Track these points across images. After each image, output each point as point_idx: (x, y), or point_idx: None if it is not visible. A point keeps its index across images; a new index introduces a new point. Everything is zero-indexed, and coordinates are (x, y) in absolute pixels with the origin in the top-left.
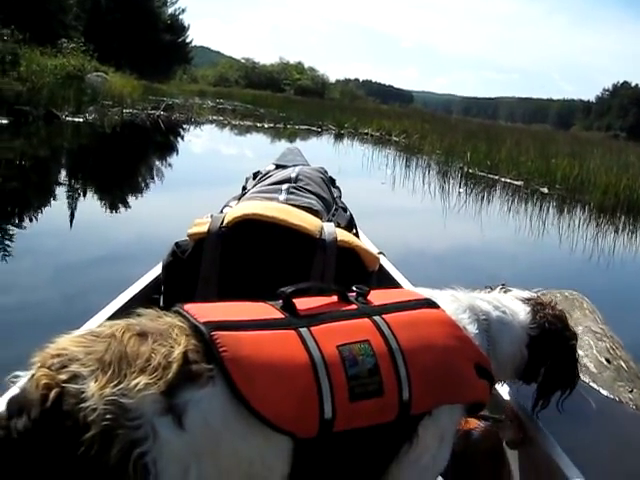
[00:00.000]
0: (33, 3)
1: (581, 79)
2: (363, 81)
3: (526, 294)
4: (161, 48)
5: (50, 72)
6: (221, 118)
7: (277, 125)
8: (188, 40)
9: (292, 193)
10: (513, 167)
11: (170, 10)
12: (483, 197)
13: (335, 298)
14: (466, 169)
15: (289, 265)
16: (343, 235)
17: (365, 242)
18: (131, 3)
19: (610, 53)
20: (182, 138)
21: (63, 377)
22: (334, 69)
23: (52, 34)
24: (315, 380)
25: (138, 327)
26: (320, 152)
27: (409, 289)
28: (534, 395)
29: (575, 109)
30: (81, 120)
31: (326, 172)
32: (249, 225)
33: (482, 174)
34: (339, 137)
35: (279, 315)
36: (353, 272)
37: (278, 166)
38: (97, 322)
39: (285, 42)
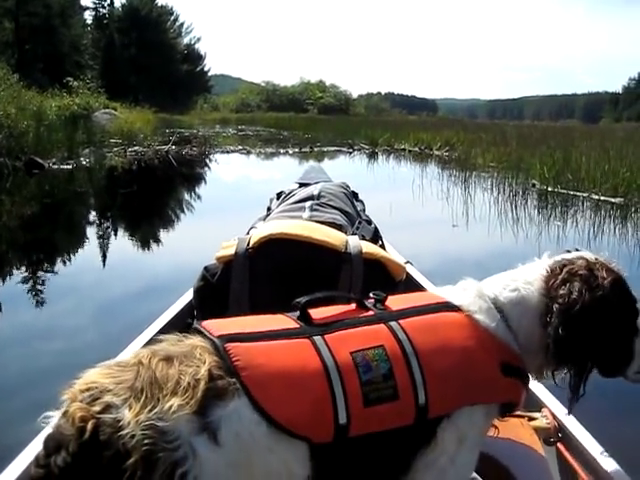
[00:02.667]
0: (46, 45)
1: (604, 71)
2: (386, 93)
3: (568, 255)
4: (179, 79)
5: (51, 113)
6: (240, 147)
7: (303, 149)
8: (206, 69)
9: (315, 210)
10: (603, 179)
11: (185, 40)
12: (571, 221)
13: (353, 306)
14: (539, 185)
15: (317, 280)
16: (368, 247)
17: (391, 252)
18: (145, 37)
19: (631, 41)
20: (193, 177)
21: (97, 408)
22: (356, 84)
23: (65, 74)
24: (329, 386)
25: (162, 352)
26: (357, 179)
27: (428, 292)
28: (569, 383)
29: (602, 101)
30: (70, 167)
31: (348, 187)
32: (275, 244)
33: (562, 191)
34: (373, 156)
35: (294, 325)
36: (380, 283)
37: (301, 184)
38: (131, 352)
39: (305, 61)
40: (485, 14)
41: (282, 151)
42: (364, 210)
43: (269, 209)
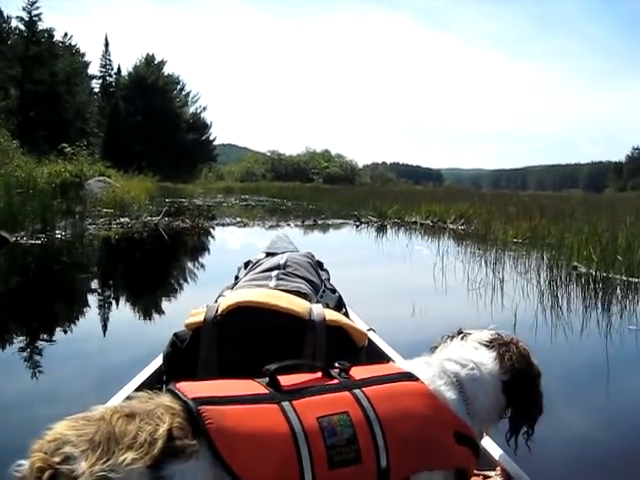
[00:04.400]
0: (50, 112)
1: (607, 141)
2: (391, 163)
3: (486, 336)
4: (184, 147)
5: (40, 181)
6: (237, 220)
7: (306, 222)
8: (212, 138)
9: (281, 279)
10: None
11: (192, 109)
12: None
13: (319, 374)
14: (583, 268)
15: (283, 346)
16: (331, 315)
17: (355, 320)
18: (151, 106)
19: (634, 110)
20: (181, 250)
21: (56, 459)
22: (361, 154)
23: (68, 141)
24: (295, 449)
25: (127, 409)
26: (367, 262)
27: (391, 364)
28: (507, 430)
29: (605, 171)
30: (39, 242)
31: (313, 257)
32: (242, 312)
33: (615, 276)
34: (382, 230)
35: (264, 390)
36: (343, 348)
37: (268, 254)
38: None
39: (311, 131)
40: (489, 86)
41: (283, 224)
42: (329, 279)
43: (237, 277)
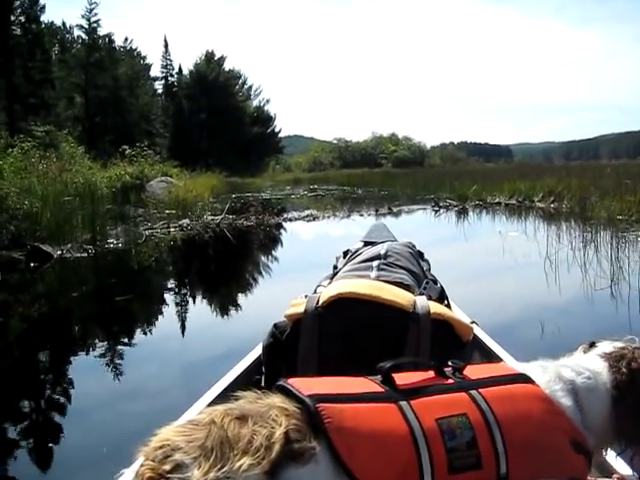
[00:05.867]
0: (115, 116)
1: None
2: (459, 143)
3: (608, 347)
4: (250, 141)
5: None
6: (305, 213)
7: (380, 211)
8: (277, 130)
9: (383, 269)
10: None
11: (255, 102)
12: None
13: (432, 373)
14: None
15: (385, 340)
16: (436, 308)
17: (457, 313)
18: (214, 102)
19: None
20: (245, 255)
21: (167, 467)
22: (428, 135)
23: (134, 144)
24: (416, 452)
25: (237, 411)
26: (462, 256)
27: (503, 364)
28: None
29: None
30: (87, 254)
31: (414, 246)
32: (344, 303)
33: None
34: (463, 214)
35: (379, 389)
36: (448, 343)
37: (367, 243)
38: (199, 408)
39: (376, 115)
40: (553, 57)
41: (355, 215)
42: (429, 269)
43: (335, 267)
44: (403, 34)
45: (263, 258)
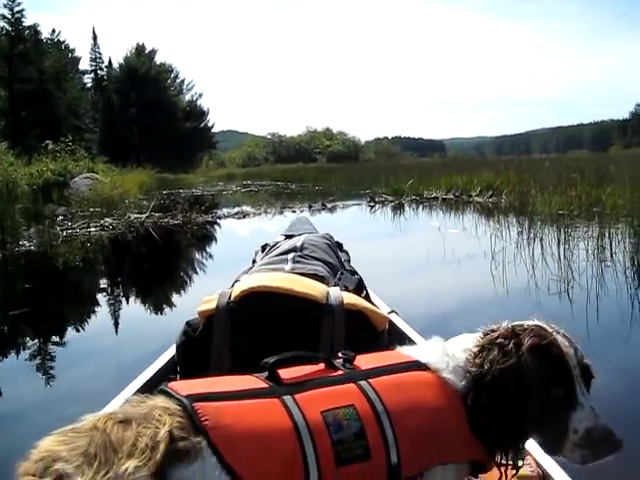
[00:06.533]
0: (41, 111)
1: (610, 98)
2: (393, 137)
3: (507, 327)
4: (183, 137)
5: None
6: (236, 211)
7: (314, 207)
8: (210, 124)
9: (298, 262)
10: None
11: (187, 97)
12: None
13: (322, 366)
14: None
15: (299, 332)
16: (350, 298)
17: (377, 302)
18: (145, 97)
19: (634, 66)
20: (175, 255)
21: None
22: (363, 130)
23: (60, 137)
24: (300, 446)
25: (120, 415)
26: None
27: (398, 351)
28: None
29: (609, 129)
30: None
31: (332, 238)
32: (256, 297)
33: None
34: (399, 209)
35: (263, 385)
36: (363, 333)
37: (287, 237)
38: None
39: (310, 110)
40: (485, 53)
41: (288, 211)
42: (349, 261)
43: (254, 262)
44: (336, 28)
45: (187, 257)
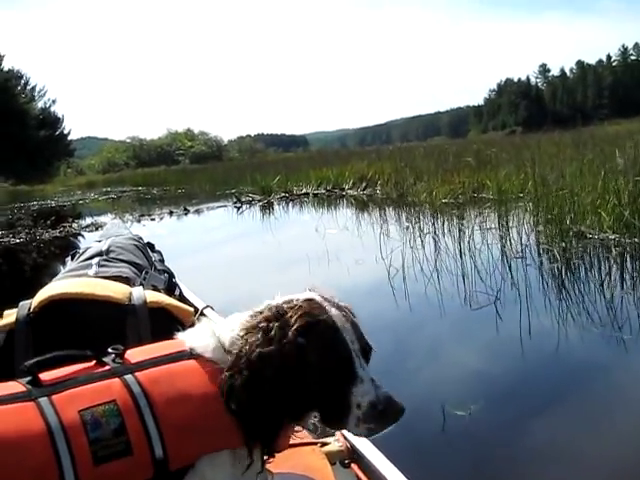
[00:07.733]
0: None
1: (464, 86)
2: (256, 135)
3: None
4: (37, 146)
5: None
6: (88, 222)
7: (175, 212)
8: (66, 132)
9: (103, 265)
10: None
11: (40, 104)
12: None
13: (92, 363)
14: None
15: (104, 336)
16: (153, 297)
17: (191, 298)
18: None
19: (486, 54)
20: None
21: None
22: (224, 129)
23: None
24: (53, 448)
25: None
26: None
27: (175, 340)
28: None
29: (466, 116)
30: None
31: (141, 238)
32: (57, 306)
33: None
34: (268, 208)
35: (21, 389)
36: (169, 329)
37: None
38: None
39: (170, 112)
40: (343, 46)
41: (146, 219)
42: (162, 260)
43: None
44: (192, 26)
45: (27, 277)
